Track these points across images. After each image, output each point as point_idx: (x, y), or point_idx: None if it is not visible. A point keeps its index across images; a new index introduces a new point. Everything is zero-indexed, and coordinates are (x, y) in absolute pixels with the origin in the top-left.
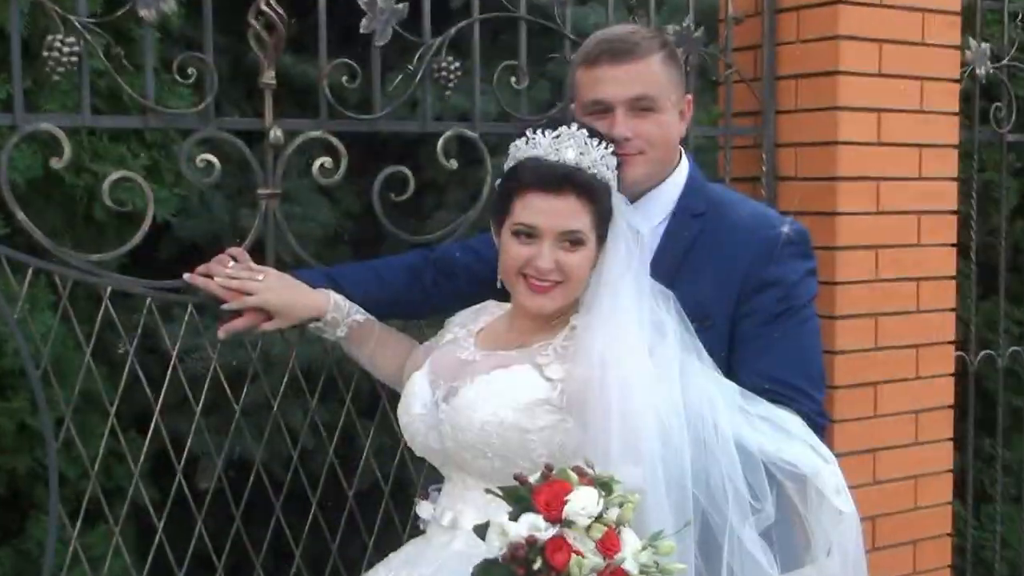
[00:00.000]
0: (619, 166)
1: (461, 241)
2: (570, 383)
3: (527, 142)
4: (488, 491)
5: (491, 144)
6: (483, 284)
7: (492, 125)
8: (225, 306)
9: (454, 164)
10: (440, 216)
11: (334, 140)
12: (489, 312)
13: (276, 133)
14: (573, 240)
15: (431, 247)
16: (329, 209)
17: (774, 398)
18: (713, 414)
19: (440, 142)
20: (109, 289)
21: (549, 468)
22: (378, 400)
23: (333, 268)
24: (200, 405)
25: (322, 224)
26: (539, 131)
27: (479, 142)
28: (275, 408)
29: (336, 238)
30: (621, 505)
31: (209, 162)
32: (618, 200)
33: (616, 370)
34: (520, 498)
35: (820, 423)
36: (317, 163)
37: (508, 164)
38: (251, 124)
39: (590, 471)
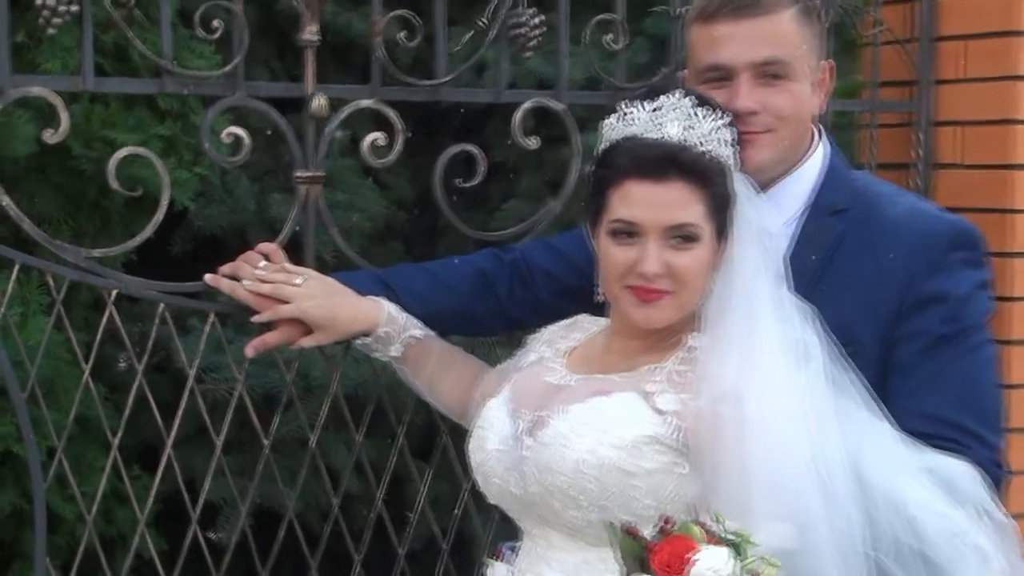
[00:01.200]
0: (738, 144)
1: (542, 239)
2: (687, 418)
3: (622, 118)
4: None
5: (579, 118)
6: (569, 295)
7: (580, 95)
8: (256, 317)
9: (533, 143)
10: (513, 208)
11: (389, 112)
12: (581, 328)
13: (320, 101)
14: (684, 236)
15: (504, 247)
16: (379, 197)
17: (940, 444)
18: (874, 464)
19: (517, 115)
20: (114, 292)
21: (667, 520)
22: (437, 436)
23: (386, 271)
24: (221, 438)
25: (370, 216)
26: (636, 104)
27: (565, 115)
28: (312, 443)
29: (387, 233)
30: (760, 572)
31: (237, 137)
32: (740, 183)
33: (755, 405)
34: (632, 556)
35: (997, 475)
36: (367, 140)
37: (600, 147)
38: (289, 90)
39: (715, 526)
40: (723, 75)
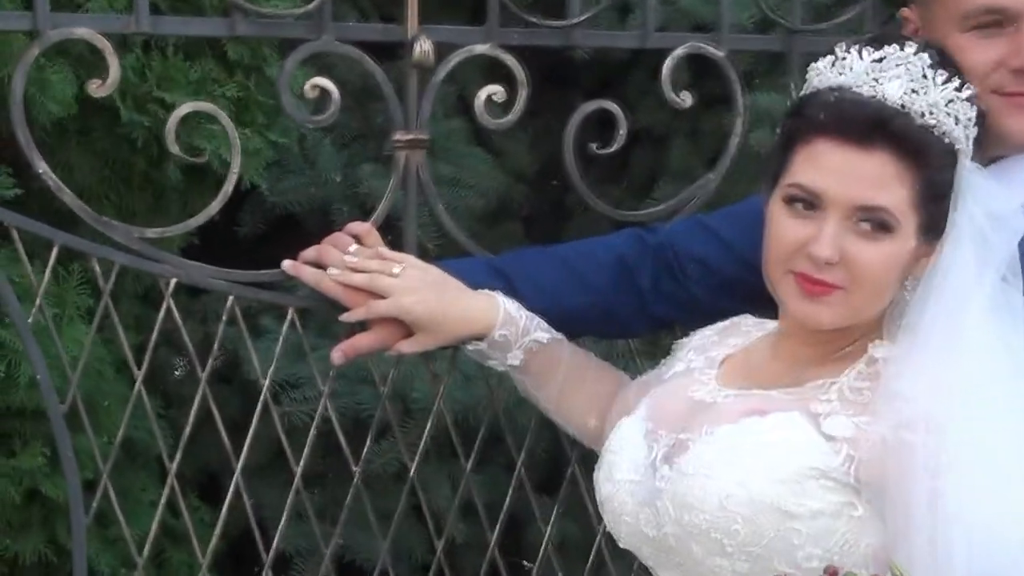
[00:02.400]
0: (981, 118)
1: (695, 218)
2: (864, 447)
3: (834, 64)
4: None
5: (744, 72)
6: (728, 290)
7: (746, 39)
8: (345, 316)
9: (687, 99)
10: (660, 182)
11: (509, 59)
12: (742, 331)
13: (424, 47)
14: (874, 222)
15: (648, 228)
16: (493, 168)
17: None
18: None
19: (667, 65)
20: (173, 282)
21: (835, 573)
22: (565, 467)
23: (502, 258)
24: (300, 469)
25: (483, 190)
26: (855, 49)
27: (726, 65)
28: (411, 477)
29: (503, 211)
30: None
31: (322, 90)
32: (970, 172)
33: (958, 436)
34: None
35: None
36: (481, 95)
37: (801, 92)
38: (386, 33)
39: None
40: (999, 19)
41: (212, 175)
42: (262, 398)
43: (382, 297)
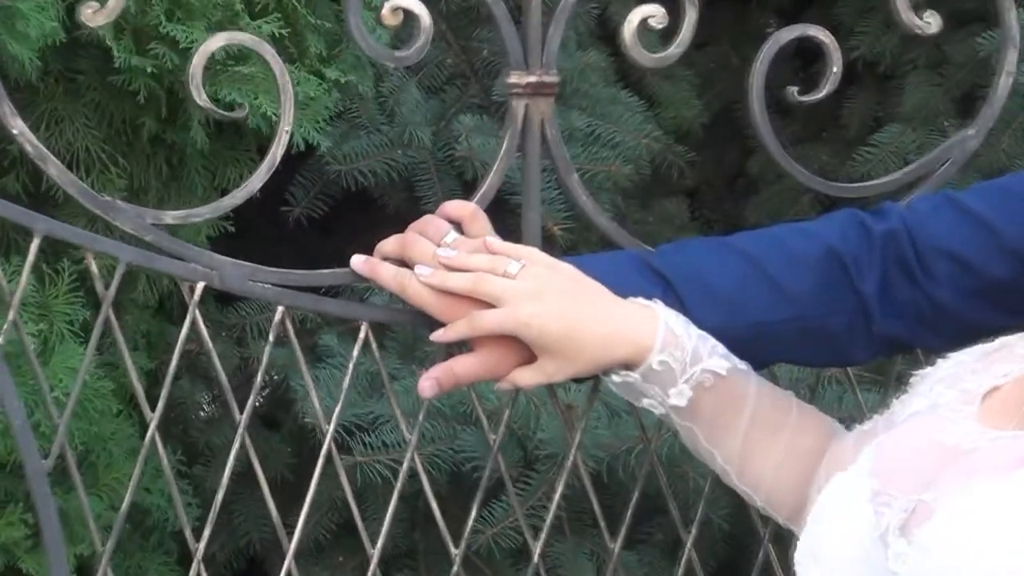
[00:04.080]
0: None
1: (944, 194)
2: None
3: None
4: None
5: None
6: (995, 296)
7: None
8: (438, 334)
9: (931, 23)
10: (889, 140)
11: None
12: (1015, 356)
13: None
14: None
15: (872, 209)
16: (645, 121)
17: None
18: None
19: None
20: (200, 287)
21: None
22: (752, 546)
23: (661, 251)
24: (379, 547)
25: (630, 153)
26: None
27: None
28: (535, 556)
29: (659, 183)
30: None
31: (407, 14)
32: None
33: None
34: None
35: None
36: (631, 20)
37: None
38: None
39: None
40: None
41: (250, 137)
42: (324, 449)
43: (491, 307)
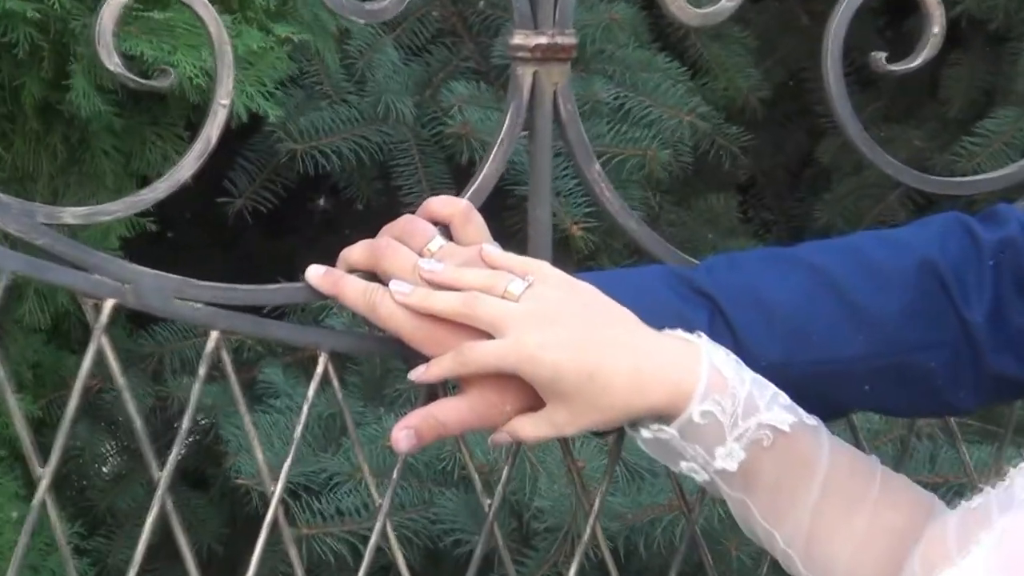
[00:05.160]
0: None
1: None
2: None
3: None
4: None
5: None
6: None
7: None
8: (418, 372)
9: None
10: (1006, 118)
11: None
12: None
13: None
14: None
15: (981, 213)
16: (689, 94)
17: None
18: None
19: None
20: (109, 305)
21: None
22: None
23: (708, 266)
24: None
25: (669, 135)
26: None
27: None
28: None
29: (706, 175)
30: None
31: None
32: None
33: None
34: None
35: None
36: None
37: None
38: None
39: None
40: None
41: (175, 108)
42: (269, 517)
43: (487, 336)
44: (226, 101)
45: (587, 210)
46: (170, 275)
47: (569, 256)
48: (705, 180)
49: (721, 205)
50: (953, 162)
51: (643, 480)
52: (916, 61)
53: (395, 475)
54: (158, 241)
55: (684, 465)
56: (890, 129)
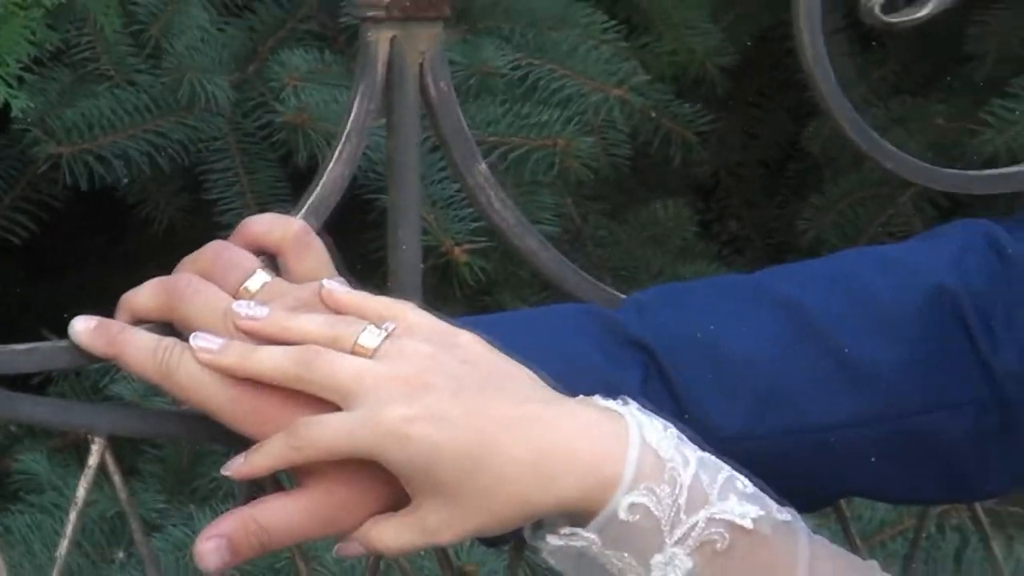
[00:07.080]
0: None
1: None
2: None
3: None
4: None
5: None
6: None
7: None
8: (233, 466)
9: None
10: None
11: None
12: None
13: None
14: None
15: (1010, 220)
16: (617, 61)
17: None
18: None
19: None
20: None
21: None
22: None
23: (641, 303)
24: None
25: (592, 121)
26: None
27: None
28: None
29: (649, 174)
30: None
31: None
32: None
33: None
34: None
35: None
36: None
37: None
38: None
39: None
40: None
41: None
42: None
43: (332, 408)
44: None
45: (474, 225)
46: None
47: (452, 292)
48: (648, 181)
49: (671, 216)
50: (980, 142)
51: None
52: (923, 11)
53: None
54: None
55: None
56: (903, 104)
